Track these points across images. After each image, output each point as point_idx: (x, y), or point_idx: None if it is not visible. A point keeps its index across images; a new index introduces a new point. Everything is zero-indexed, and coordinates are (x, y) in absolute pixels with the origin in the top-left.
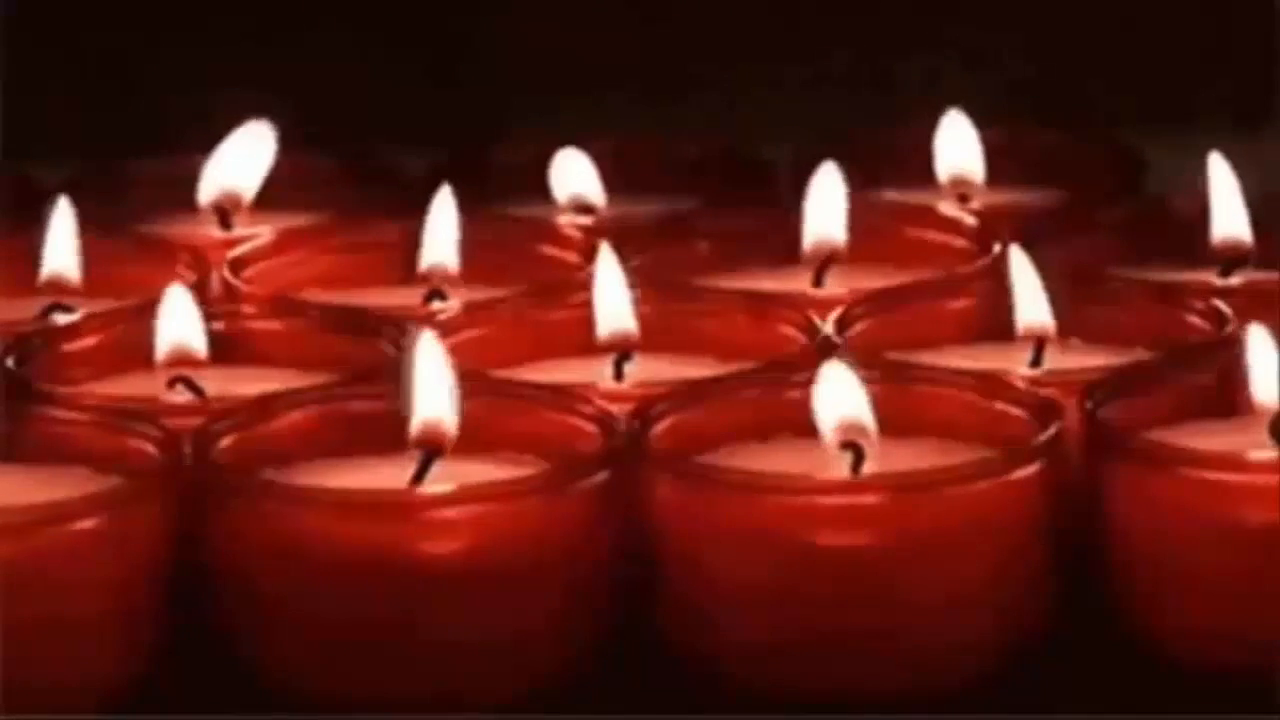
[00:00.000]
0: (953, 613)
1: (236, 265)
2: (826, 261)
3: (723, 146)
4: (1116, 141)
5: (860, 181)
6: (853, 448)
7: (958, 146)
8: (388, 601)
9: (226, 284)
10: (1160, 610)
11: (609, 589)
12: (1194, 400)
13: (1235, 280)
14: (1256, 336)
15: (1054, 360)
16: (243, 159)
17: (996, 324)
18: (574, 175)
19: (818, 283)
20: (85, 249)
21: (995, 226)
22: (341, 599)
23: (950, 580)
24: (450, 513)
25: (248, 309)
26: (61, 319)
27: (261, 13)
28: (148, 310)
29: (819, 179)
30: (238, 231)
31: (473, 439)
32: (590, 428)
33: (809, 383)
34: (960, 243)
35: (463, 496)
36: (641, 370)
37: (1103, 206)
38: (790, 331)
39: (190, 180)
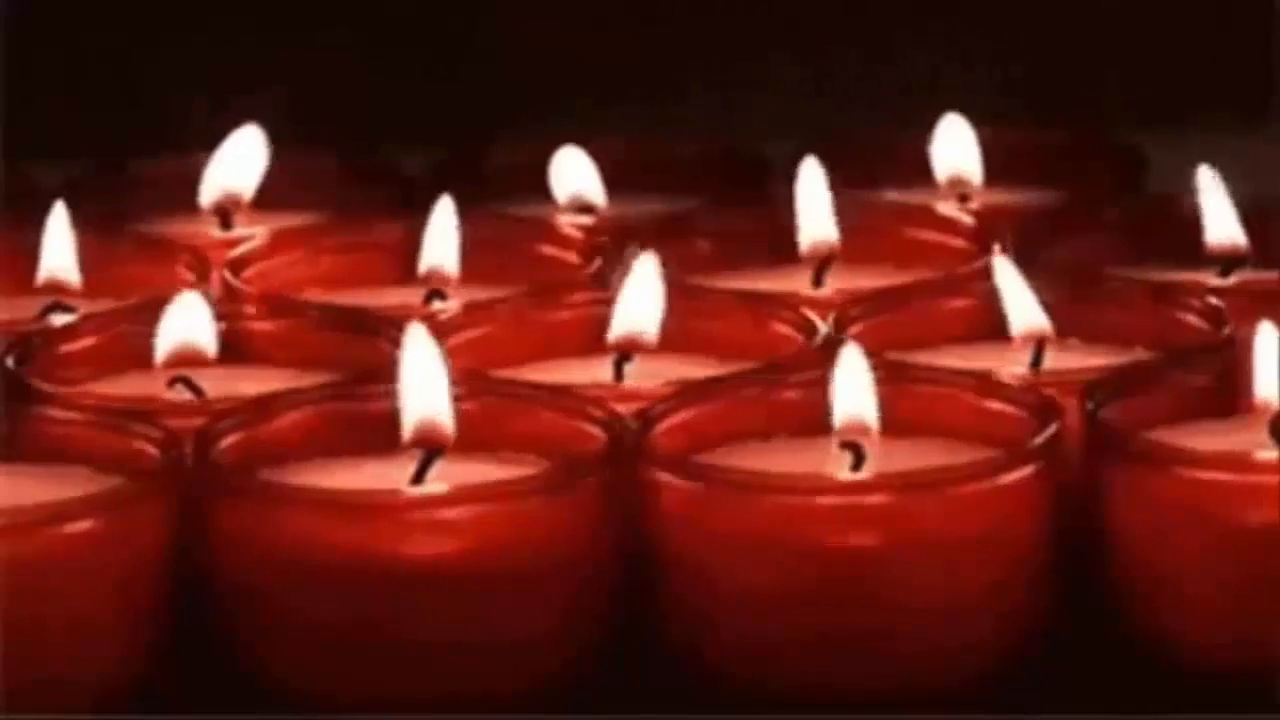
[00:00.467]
0: (952, 613)
1: (236, 265)
2: (825, 262)
3: (723, 146)
4: (1116, 141)
5: (860, 181)
6: (853, 448)
7: (956, 147)
8: (388, 601)
9: (226, 284)
10: (1160, 610)
11: (609, 589)
12: (1194, 400)
13: (1234, 280)
14: (1263, 335)
15: (1053, 360)
16: (241, 160)
17: (996, 324)
18: (574, 175)
19: (817, 283)
20: (85, 249)
21: (994, 227)
22: (341, 599)
23: (950, 580)
24: (450, 513)
25: (248, 309)
26: (61, 319)
27: (261, 13)
28: (147, 310)
29: (802, 178)
30: (238, 231)
31: (473, 439)
32: (590, 428)
33: (809, 383)
34: (958, 243)
35: (462, 497)
36: (641, 370)
37: (1102, 206)
38: (790, 331)
39: (190, 180)
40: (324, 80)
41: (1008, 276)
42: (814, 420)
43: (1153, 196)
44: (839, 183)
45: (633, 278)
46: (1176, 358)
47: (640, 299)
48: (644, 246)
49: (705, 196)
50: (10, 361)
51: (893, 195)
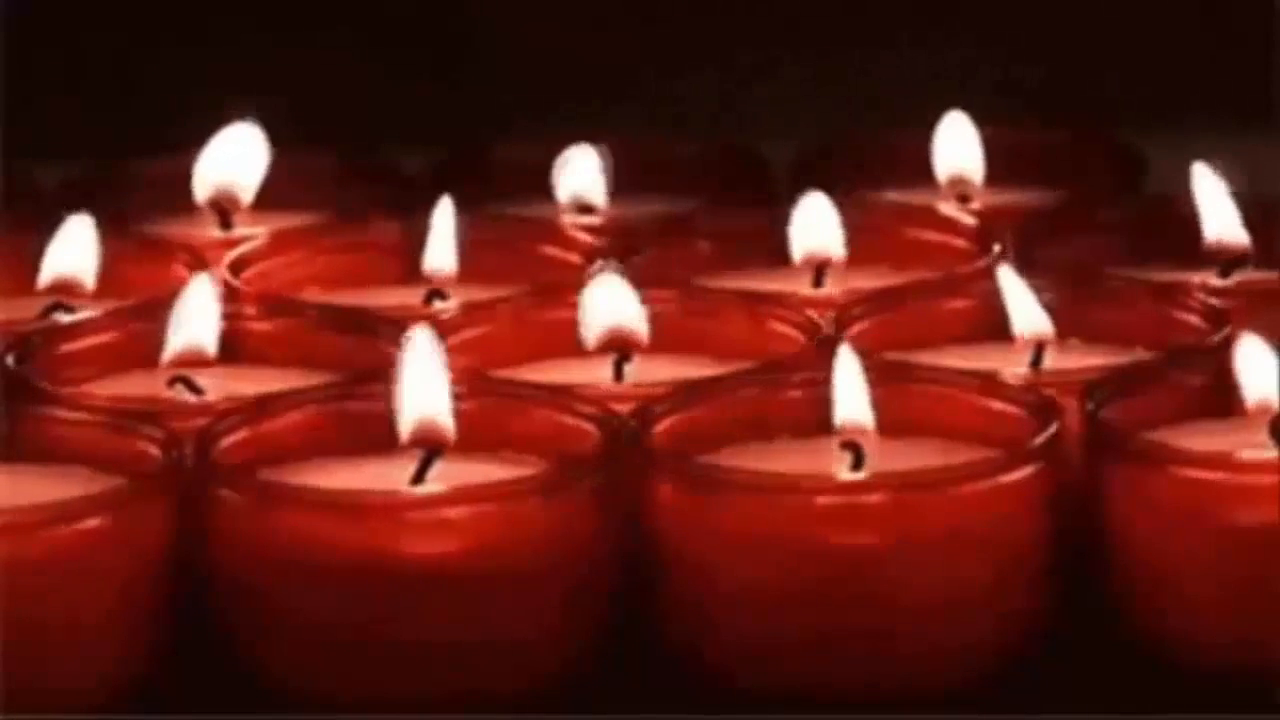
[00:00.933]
0: (952, 613)
1: (236, 265)
2: (825, 262)
3: (723, 146)
4: (1116, 141)
5: (860, 181)
6: (853, 448)
7: (957, 146)
8: (388, 601)
9: (226, 284)
10: (1160, 610)
11: (609, 589)
12: (1194, 400)
13: (1234, 280)
14: (1248, 344)
15: (1054, 360)
16: (239, 159)
17: (996, 324)
18: (576, 175)
19: (817, 283)
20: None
21: (994, 227)
22: (341, 599)
23: (950, 580)
24: (449, 513)
25: (248, 309)
26: (61, 319)
27: (261, 13)
28: (148, 310)
29: (805, 198)
30: (237, 231)
31: (473, 439)
32: (590, 428)
33: (809, 383)
34: (959, 243)
35: (462, 497)
36: (641, 370)
37: (1103, 206)
38: (790, 331)
39: (190, 180)
40: (324, 80)
41: (1011, 284)
42: (814, 420)
43: (1153, 196)
44: (839, 183)
45: (595, 286)
46: (1176, 358)
47: (611, 301)
48: (640, 249)
49: (705, 197)
50: (11, 361)
51: (893, 195)
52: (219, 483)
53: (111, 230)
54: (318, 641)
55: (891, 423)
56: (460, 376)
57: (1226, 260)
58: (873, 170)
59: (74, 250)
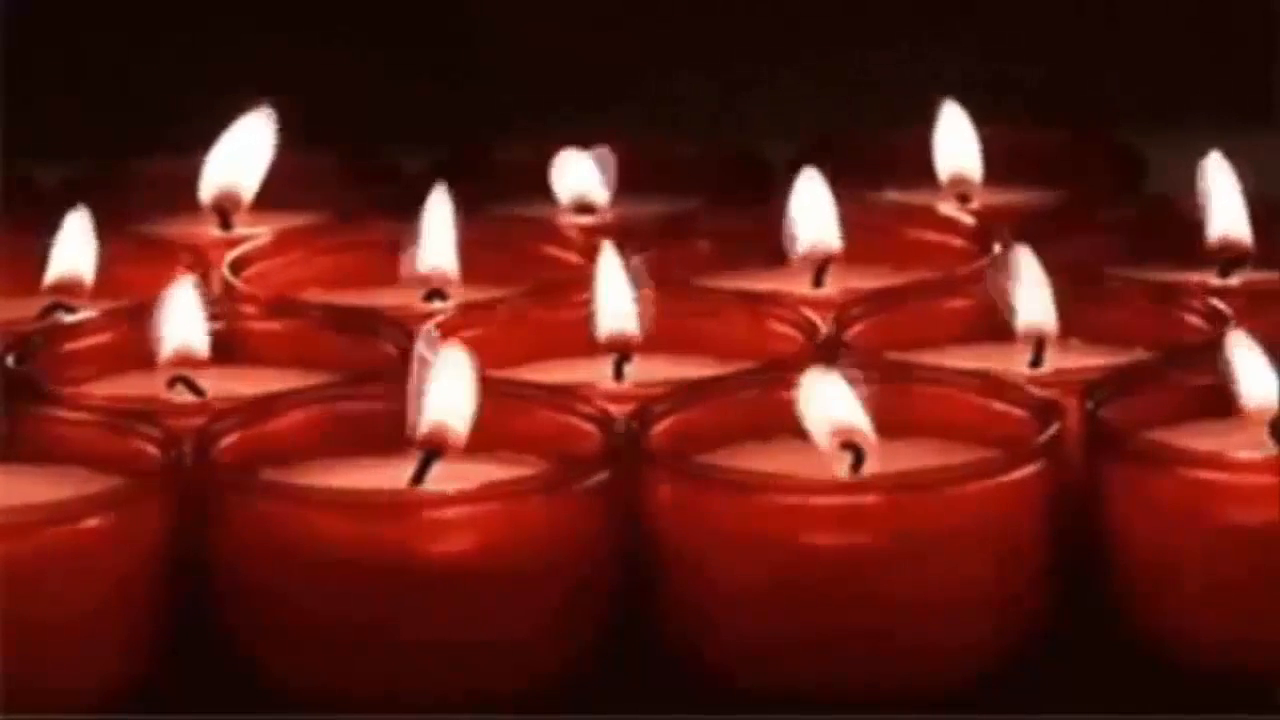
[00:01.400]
0: (952, 613)
1: (236, 265)
2: (825, 262)
3: (723, 146)
4: (1116, 141)
5: (860, 181)
6: (852, 448)
7: (957, 146)
8: (387, 601)
9: (226, 284)
10: (1160, 610)
11: (608, 589)
12: (1194, 400)
13: (1234, 280)
14: (1239, 343)
15: (1054, 360)
16: (242, 156)
17: (996, 324)
18: (575, 175)
19: (817, 283)
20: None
21: (994, 226)
22: (341, 599)
23: (950, 580)
24: (450, 513)
25: (248, 309)
26: (61, 319)
27: (261, 13)
28: (148, 310)
29: (801, 184)
30: (238, 231)
31: (473, 439)
32: (590, 428)
33: None
34: (959, 243)
35: (462, 497)
36: (641, 370)
37: (1103, 206)
38: (789, 331)
39: (190, 180)
40: (324, 80)
41: (1029, 270)
42: None
43: (1153, 196)
44: (839, 183)
45: (601, 276)
46: (1176, 358)
47: (618, 298)
48: (640, 249)
49: (705, 197)
50: (11, 361)
51: (893, 195)
52: (219, 482)
53: (111, 230)
54: (318, 641)
55: (891, 423)
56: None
57: (1227, 259)
58: (873, 170)
59: (75, 249)
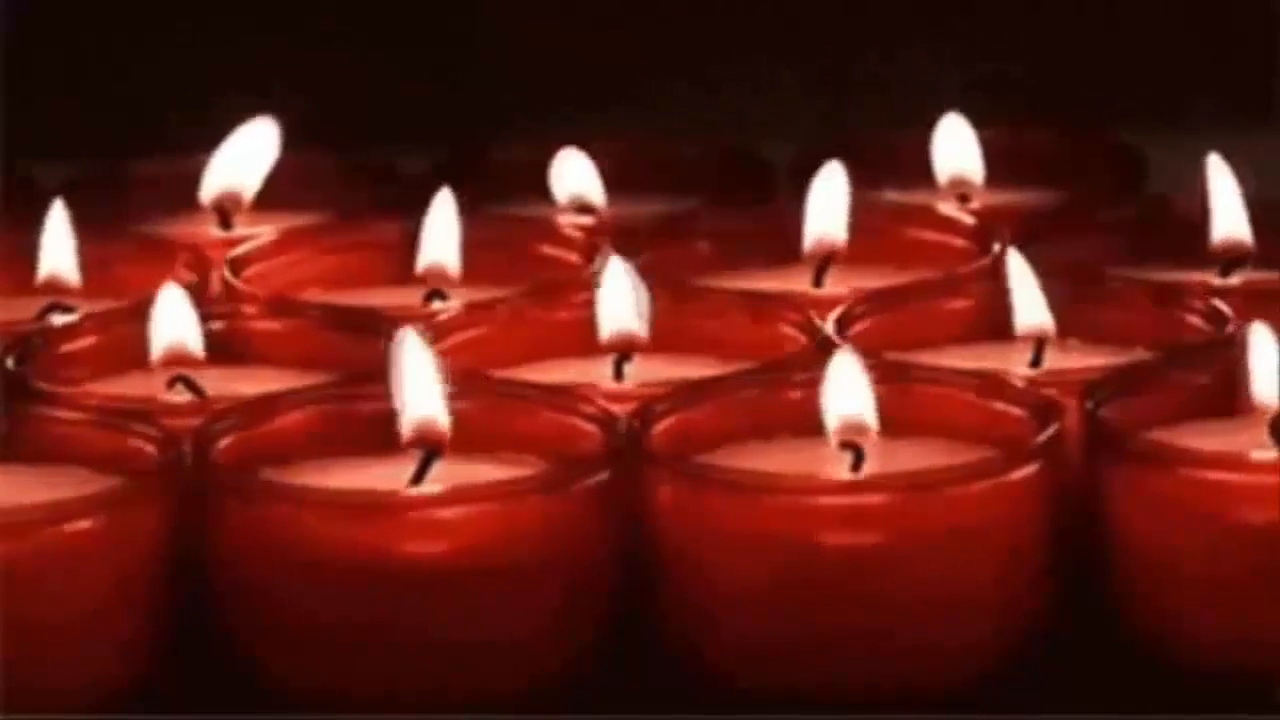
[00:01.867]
0: (952, 613)
1: (237, 265)
2: (826, 261)
3: (723, 146)
4: (1116, 141)
5: (860, 181)
6: (853, 448)
7: (957, 147)
8: (387, 601)
9: (226, 284)
10: (1160, 610)
11: (608, 589)
12: (1194, 400)
13: (1235, 280)
14: (1258, 335)
15: (1054, 360)
16: (245, 158)
17: (996, 324)
18: (574, 175)
19: (817, 283)
20: (85, 249)
21: (994, 227)
22: (340, 599)
23: (950, 580)
24: (450, 513)
25: (248, 309)
26: (60, 319)
27: (261, 13)
28: (147, 310)
29: (821, 179)
30: (238, 231)
31: (473, 439)
32: (590, 428)
33: (809, 383)
34: (959, 243)
35: (462, 497)
36: (641, 370)
37: (1103, 206)
38: (790, 331)
39: (190, 180)
40: (324, 80)
41: (1020, 273)
42: (814, 420)
43: (1153, 196)
44: None
45: (607, 279)
46: (1176, 358)
47: (621, 298)
48: (640, 249)
49: (705, 196)
50: (10, 361)
51: (893, 195)
52: (218, 483)
53: (111, 230)
54: (318, 641)
55: (892, 423)
56: (459, 376)
57: (1228, 259)
58: (873, 170)
59: (58, 246)
